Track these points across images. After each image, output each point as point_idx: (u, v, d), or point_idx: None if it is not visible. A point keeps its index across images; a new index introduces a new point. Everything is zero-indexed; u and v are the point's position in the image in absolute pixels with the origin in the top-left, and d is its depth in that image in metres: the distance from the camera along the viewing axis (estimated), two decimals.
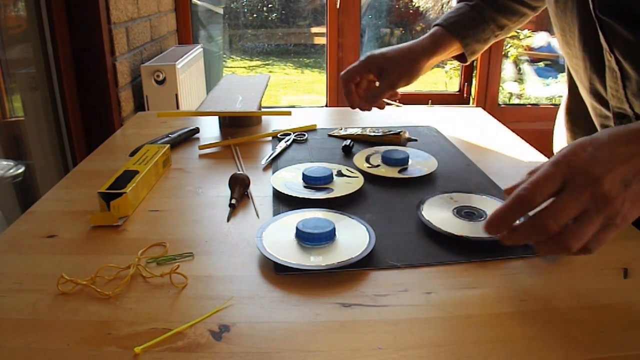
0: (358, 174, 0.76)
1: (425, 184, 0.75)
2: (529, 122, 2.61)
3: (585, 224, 0.45)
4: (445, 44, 0.88)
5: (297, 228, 0.58)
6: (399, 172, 0.77)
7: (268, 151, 0.89)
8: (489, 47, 0.94)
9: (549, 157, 0.88)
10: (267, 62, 3.69)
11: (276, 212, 0.66)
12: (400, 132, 0.91)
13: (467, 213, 0.63)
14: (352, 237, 0.58)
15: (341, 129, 0.97)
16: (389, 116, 1.11)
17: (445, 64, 3.07)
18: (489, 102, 2.57)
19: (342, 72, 0.87)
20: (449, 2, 2.88)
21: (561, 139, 0.94)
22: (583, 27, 0.67)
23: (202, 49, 2.31)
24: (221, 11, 2.96)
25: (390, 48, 0.88)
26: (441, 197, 0.68)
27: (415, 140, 0.91)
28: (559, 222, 0.45)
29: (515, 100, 2.90)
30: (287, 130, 0.97)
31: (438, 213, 0.63)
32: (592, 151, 0.46)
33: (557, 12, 0.71)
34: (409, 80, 0.87)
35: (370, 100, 0.85)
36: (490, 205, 0.65)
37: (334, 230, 0.57)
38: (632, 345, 0.43)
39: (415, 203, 0.66)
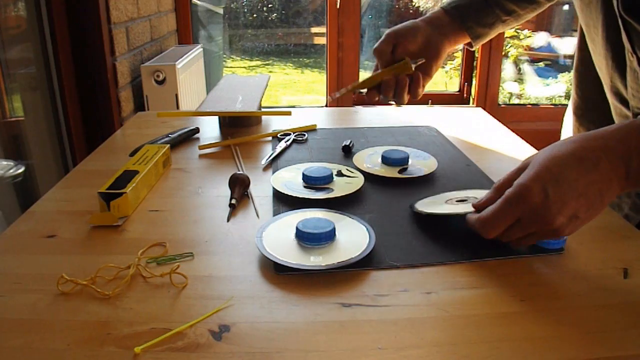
0: (358, 174, 0.76)
1: (425, 184, 0.75)
2: (529, 122, 2.61)
3: (528, 240, 0.53)
4: (446, 27, 0.82)
5: (297, 228, 0.58)
6: (399, 172, 0.77)
7: (268, 151, 0.89)
8: (494, 36, 0.88)
9: None
10: (267, 62, 3.69)
11: (276, 212, 0.66)
12: (404, 59, 0.79)
13: (458, 201, 0.64)
14: (352, 237, 0.58)
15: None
16: (389, 116, 1.11)
17: (445, 64, 3.07)
18: (489, 102, 2.57)
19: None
20: None
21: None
22: (606, 24, 0.66)
23: (202, 49, 2.31)
24: (221, 11, 2.96)
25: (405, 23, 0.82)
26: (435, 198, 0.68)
27: (423, 60, 0.80)
28: (507, 239, 0.53)
29: (515, 100, 2.90)
30: (287, 130, 0.97)
31: (431, 207, 0.64)
32: (550, 190, 0.49)
33: (582, 7, 0.70)
34: (429, 53, 0.79)
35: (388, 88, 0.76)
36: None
37: (334, 230, 0.57)
38: (632, 345, 0.43)
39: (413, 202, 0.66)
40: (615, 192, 0.50)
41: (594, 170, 0.49)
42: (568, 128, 0.94)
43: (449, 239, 0.58)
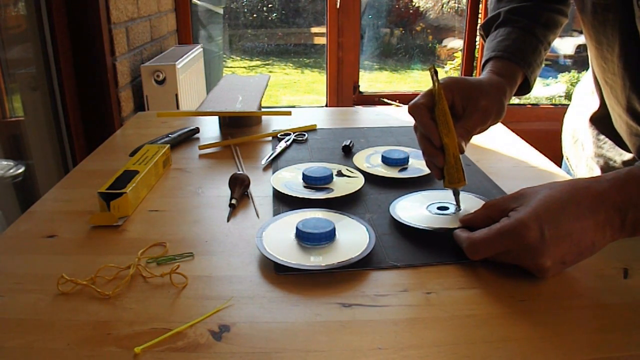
0: (358, 174, 0.76)
1: (425, 184, 0.74)
2: (528, 122, 2.61)
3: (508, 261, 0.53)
4: (517, 77, 0.73)
5: (297, 228, 0.58)
6: (399, 172, 0.77)
7: (268, 151, 0.89)
8: None
9: (549, 158, 0.87)
10: (267, 62, 3.69)
11: (276, 212, 0.66)
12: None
13: (439, 208, 0.64)
14: (352, 237, 0.58)
15: None
16: (390, 115, 1.11)
17: (445, 64, 3.07)
18: None
19: (411, 103, 0.64)
20: (449, 2, 2.88)
21: (571, 141, 0.92)
22: (625, 43, 0.63)
23: (202, 49, 2.31)
24: (221, 11, 2.96)
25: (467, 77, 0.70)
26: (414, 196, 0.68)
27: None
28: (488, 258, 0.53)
29: (515, 100, 2.90)
30: (287, 130, 0.97)
31: (411, 211, 0.64)
32: (547, 231, 0.49)
33: (595, 24, 0.67)
34: (499, 114, 0.68)
35: (463, 135, 0.64)
36: (466, 201, 0.65)
37: (334, 230, 0.57)
38: (632, 345, 0.43)
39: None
40: (607, 242, 0.50)
41: (591, 218, 0.49)
42: (569, 129, 0.94)
43: (449, 239, 0.58)
